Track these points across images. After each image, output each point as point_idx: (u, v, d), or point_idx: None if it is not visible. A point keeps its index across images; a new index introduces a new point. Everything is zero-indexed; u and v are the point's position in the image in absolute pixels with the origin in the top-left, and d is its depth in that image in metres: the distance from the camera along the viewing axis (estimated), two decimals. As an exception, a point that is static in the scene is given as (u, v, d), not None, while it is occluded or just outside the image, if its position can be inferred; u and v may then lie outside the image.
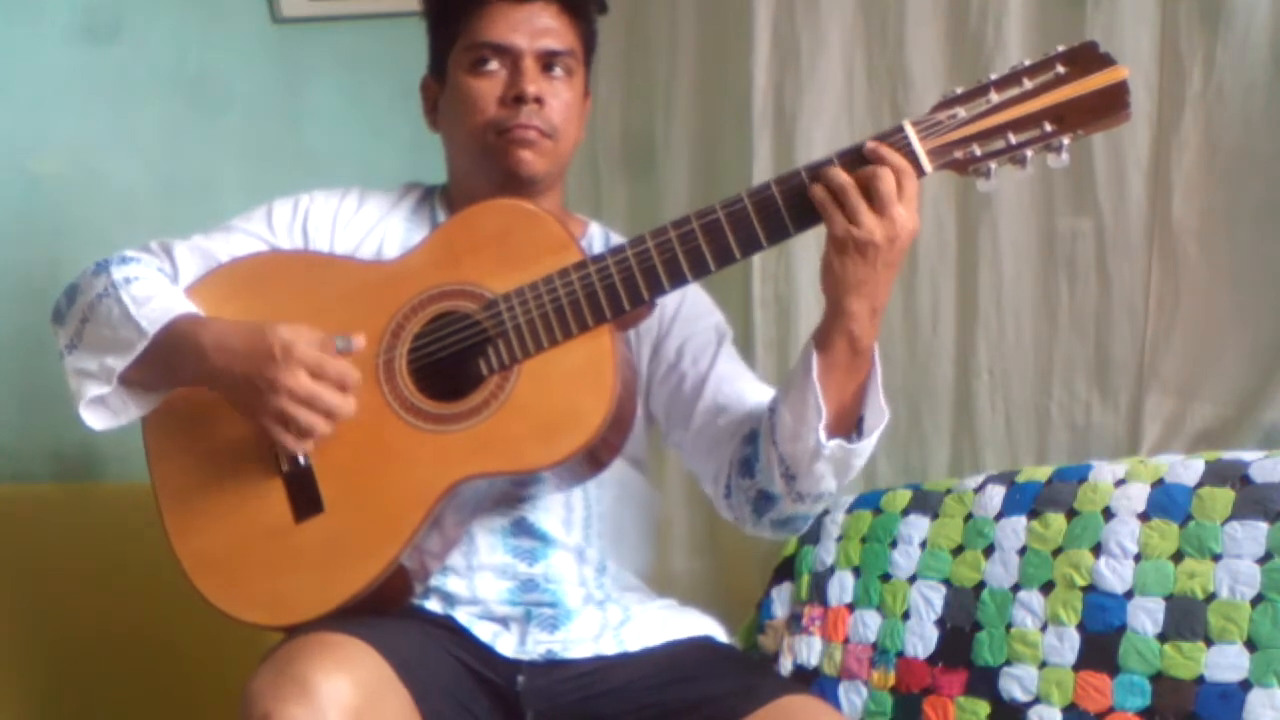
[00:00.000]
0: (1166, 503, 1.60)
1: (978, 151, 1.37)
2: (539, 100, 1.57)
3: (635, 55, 2.39)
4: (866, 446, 1.45)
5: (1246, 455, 1.60)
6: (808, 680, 1.79)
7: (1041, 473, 1.75)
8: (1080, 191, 1.85)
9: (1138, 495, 1.63)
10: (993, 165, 1.37)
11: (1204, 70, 1.73)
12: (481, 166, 1.60)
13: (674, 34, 2.34)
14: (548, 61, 1.60)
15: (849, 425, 1.45)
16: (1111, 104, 1.33)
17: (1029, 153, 1.35)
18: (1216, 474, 1.59)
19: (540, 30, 1.59)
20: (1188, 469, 1.62)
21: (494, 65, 1.59)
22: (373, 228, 1.65)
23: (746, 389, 1.60)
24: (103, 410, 1.51)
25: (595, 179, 2.41)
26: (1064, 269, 1.89)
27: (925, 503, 1.82)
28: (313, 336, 1.45)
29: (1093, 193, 1.84)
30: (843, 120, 2.10)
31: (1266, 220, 1.72)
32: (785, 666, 1.83)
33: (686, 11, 2.33)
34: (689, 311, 1.65)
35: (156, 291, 1.51)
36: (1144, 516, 1.61)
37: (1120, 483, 1.66)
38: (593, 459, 1.48)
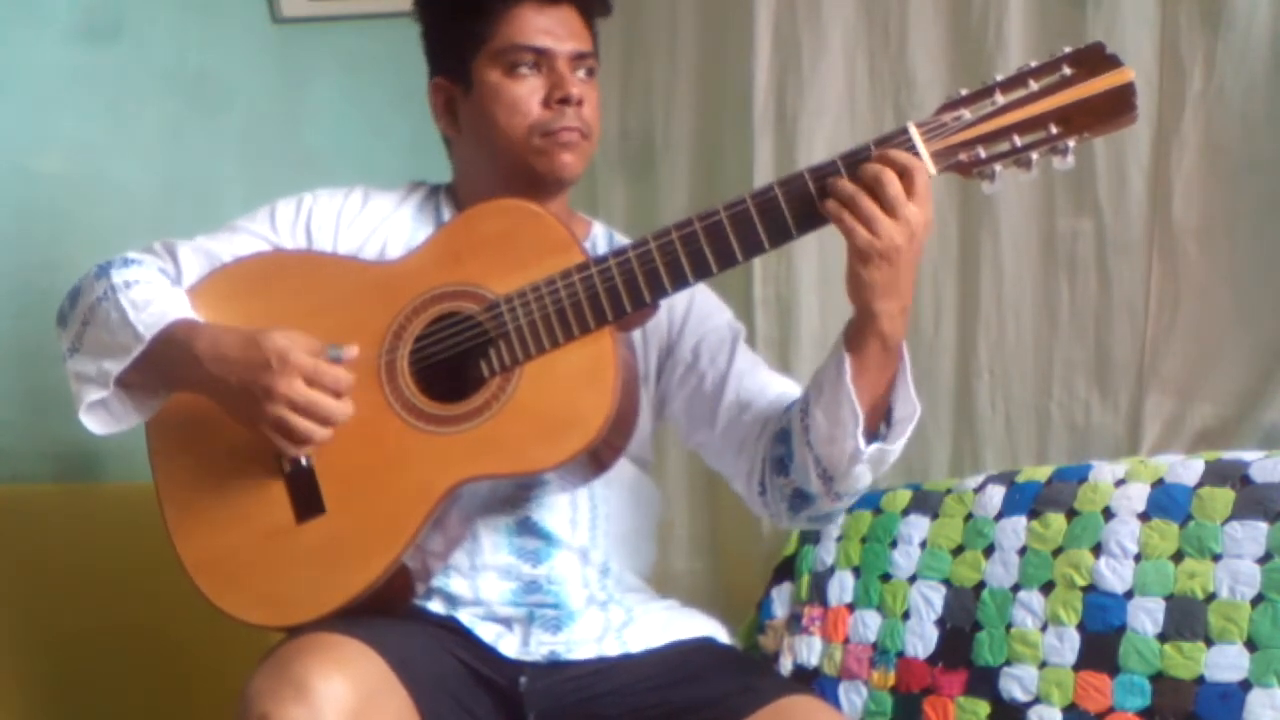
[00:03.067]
0: (1166, 503, 1.60)
1: (983, 154, 1.36)
2: (580, 102, 1.58)
3: (635, 55, 2.39)
4: (901, 443, 1.46)
5: (1246, 455, 1.60)
6: (808, 680, 1.79)
7: (1041, 473, 1.75)
8: (1080, 191, 1.85)
9: (1138, 495, 1.63)
10: (998, 168, 1.36)
11: (1204, 70, 1.73)
12: (513, 168, 1.59)
13: (674, 34, 2.34)
14: (578, 63, 1.60)
15: (880, 419, 1.45)
16: (1118, 106, 1.32)
17: (1034, 155, 1.35)
18: (1216, 474, 1.59)
19: (569, 32, 1.60)
20: (1188, 469, 1.62)
21: (531, 68, 1.59)
22: (376, 227, 1.65)
23: (768, 382, 1.60)
24: (103, 414, 1.51)
25: (593, 179, 2.41)
26: (1064, 269, 1.89)
27: (925, 503, 1.82)
28: (307, 344, 1.44)
29: (1093, 193, 1.84)
30: (844, 120, 2.10)
31: (1266, 220, 1.72)
32: (785, 666, 1.83)
33: (686, 11, 2.33)
34: (700, 311, 1.65)
35: (155, 295, 1.51)
36: (1144, 516, 1.61)
37: (1120, 483, 1.66)
38: (595, 460, 1.48)
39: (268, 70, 2.34)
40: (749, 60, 2.16)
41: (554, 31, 1.59)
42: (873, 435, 1.44)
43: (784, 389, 1.58)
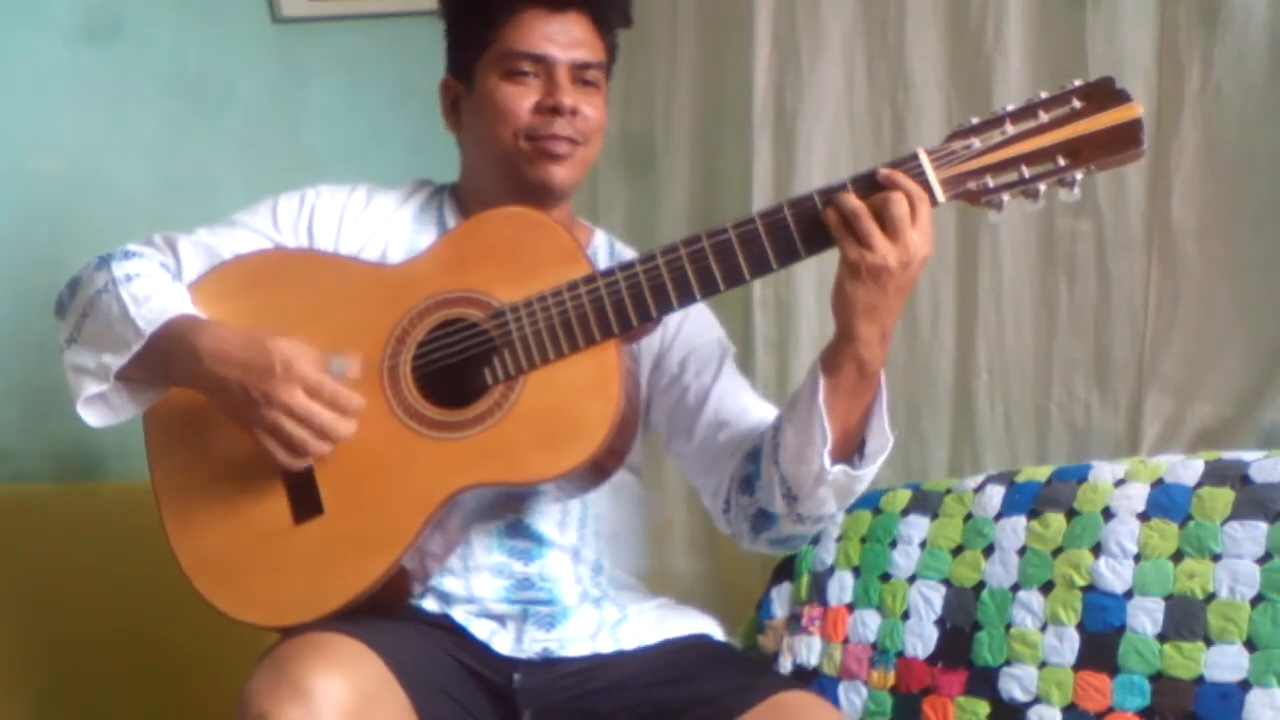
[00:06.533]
0: (1166, 503, 1.60)
1: (991, 183, 1.37)
2: (574, 111, 1.58)
3: (635, 55, 2.39)
4: (869, 473, 1.46)
5: (1246, 455, 1.60)
6: (807, 680, 1.79)
7: (1041, 473, 1.75)
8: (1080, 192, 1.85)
9: (1137, 495, 1.63)
10: (1005, 197, 1.37)
11: (1203, 70, 1.74)
12: (506, 172, 1.60)
13: (674, 34, 2.34)
14: (580, 73, 1.60)
15: (852, 448, 1.46)
16: (1125, 141, 1.34)
17: (1042, 186, 1.36)
18: (1216, 474, 1.59)
19: (574, 41, 1.60)
20: (1188, 469, 1.62)
21: (529, 74, 1.59)
22: (378, 227, 1.65)
23: (749, 405, 1.60)
24: (101, 407, 1.51)
25: (594, 179, 2.41)
26: (1064, 269, 1.89)
27: (925, 503, 1.82)
28: (312, 355, 1.44)
29: (1092, 193, 1.84)
30: (843, 121, 2.10)
31: (1266, 220, 1.72)
32: (785, 666, 1.82)
33: (687, 12, 2.33)
34: (693, 326, 1.66)
35: (156, 290, 1.51)
36: (1144, 516, 1.61)
37: (1120, 483, 1.66)
38: (596, 471, 1.48)
39: (267, 70, 2.34)
40: (748, 60, 2.17)
41: (557, 40, 1.59)
42: (844, 463, 1.44)
43: (763, 414, 1.58)
